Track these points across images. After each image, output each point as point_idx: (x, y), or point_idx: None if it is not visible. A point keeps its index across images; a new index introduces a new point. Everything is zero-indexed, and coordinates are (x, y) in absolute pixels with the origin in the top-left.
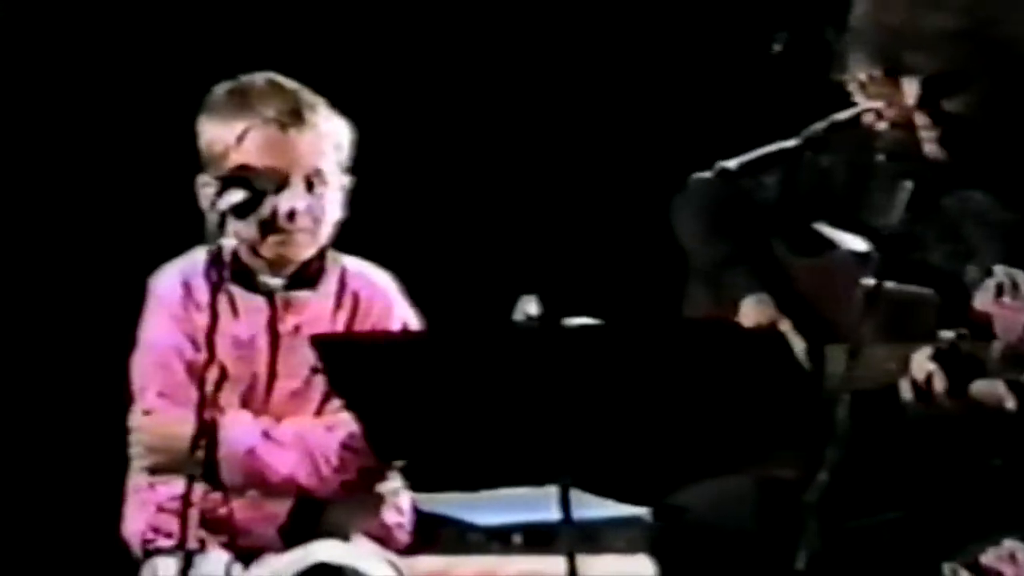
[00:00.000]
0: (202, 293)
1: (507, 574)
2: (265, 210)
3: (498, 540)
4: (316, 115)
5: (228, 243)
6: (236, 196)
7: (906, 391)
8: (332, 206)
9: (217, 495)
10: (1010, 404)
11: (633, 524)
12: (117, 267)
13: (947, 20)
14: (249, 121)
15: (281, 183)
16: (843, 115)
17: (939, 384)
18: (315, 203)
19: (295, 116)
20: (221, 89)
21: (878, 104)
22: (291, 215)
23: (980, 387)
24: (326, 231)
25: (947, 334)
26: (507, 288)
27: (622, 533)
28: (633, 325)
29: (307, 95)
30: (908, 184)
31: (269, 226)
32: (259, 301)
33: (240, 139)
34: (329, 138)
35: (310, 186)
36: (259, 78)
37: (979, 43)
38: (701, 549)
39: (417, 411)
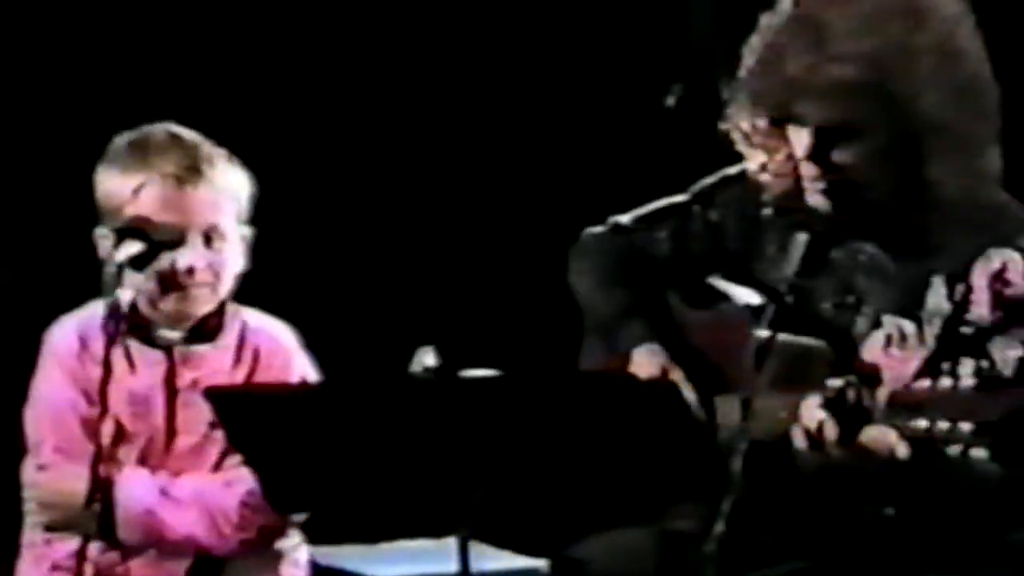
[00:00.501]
0: (98, 346)
1: None
2: (164, 265)
3: None
4: (214, 169)
5: (125, 296)
6: (133, 248)
7: (799, 440)
8: (231, 260)
9: (114, 553)
10: (902, 452)
11: None
12: (11, 319)
13: (847, 71)
14: (146, 176)
15: (179, 239)
16: (733, 169)
17: (829, 432)
18: (214, 258)
19: (192, 171)
20: (121, 140)
21: (762, 156)
22: (190, 271)
23: (871, 435)
24: (226, 285)
25: (835, 382)
26: (405, 340)
27: None
28: (529, 377)
29: (206, 148)
30: (802, 237)
31: (168, 282)
32: (157, 355)
33: (136, 193)
34: (227, 192)
35: (208, 241)
36: (159, 130)
37: (874, 96)
38: None
39: (314, 464)
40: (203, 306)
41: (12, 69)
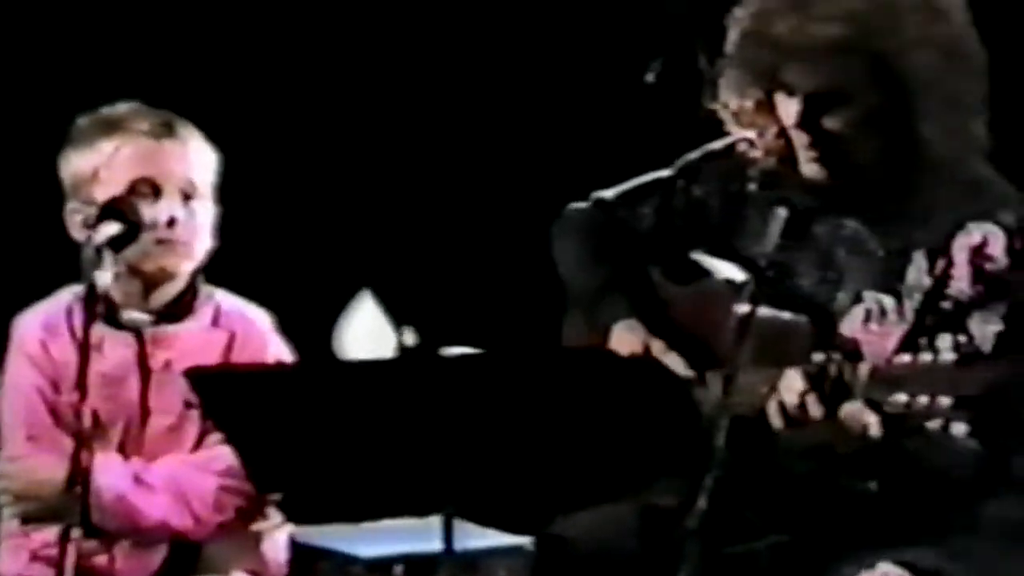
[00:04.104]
0: (64, 333)
1: None
2: (145, 223)
3: (379, 572)
4: (187, 130)
5: (104, 278)
6: (112, 228)
7: (775, 417)
8: (206, 222)
9: (93, 542)
10: (874, 431)
11: (515, 553)
12: None
13: (832, 30)
14: (120, 139)
15: (156, 194)
16: (717, 144)
17: (810, 407)
18: (191, 215)
19: (167, 128)
20: (85, 120)
21: (751, 133)
22: (171, 222)
23: (849, 411)
24: (202, 247)
25: (817, 357)
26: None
27: (504, 562)
28: (510, 354)
29: (176, 117)
30: (782, 212)
31: (149, 239)
32: (126, 337)
33: (112, 157)
34: (200, 154)
35: (185, 198)
36: (123, 105)
37: (860, 55)
38: None
39: (297, 443)
40: (184, 262)
41: None
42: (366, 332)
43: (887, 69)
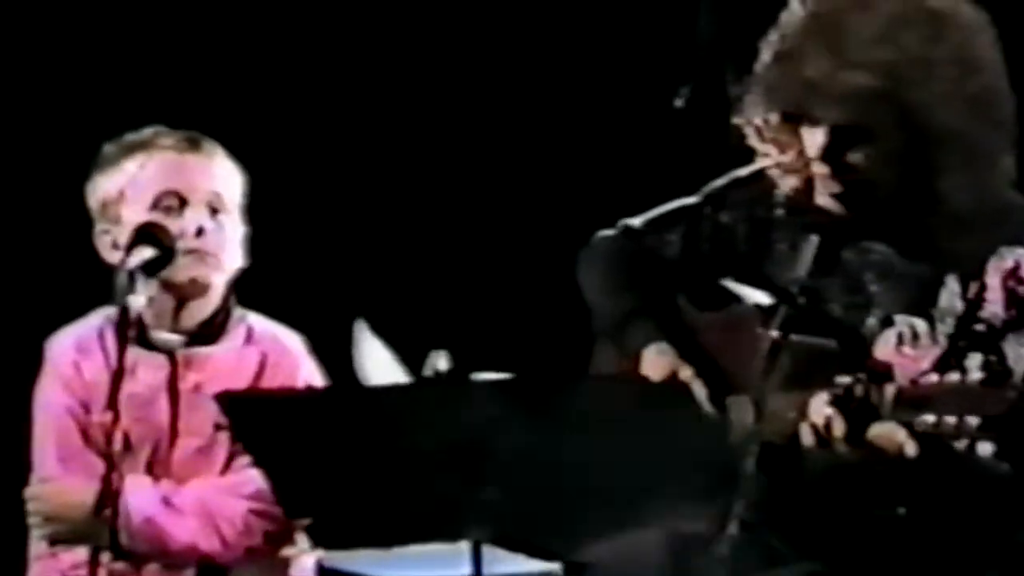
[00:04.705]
0: (96, 355)
1: None
2: (174, 234)
3: None
4: (213, 146)
5: (138, 301)
6: (146, 253)
7: (806, 437)
8: (234, 236)
9: (121, 564)
10: (910, 450)
11: None
12: (14, 331)
13: (863, 79)
14: (145, 156)
15: (182, 206)
16: (744, 171)
17: (837, 429)
18: (219, 227)
19: (192, 143)
20: (111, 145)
21: (774, 152)
22: (199, 232)
23: (878, 432)
24: (231, 260)
25: (844, 379)
26: (417, 344)
27: None
28: (541, 380)
29: (200, 135)
30: (814, 238)
31: (178, 250)
32: (158, 359)
33: (137, 175)
34: (226, 169)
35: (213, 211)
36: (148, 129)
37: (889, 103)
38: None
39: (327, 468)
40: (214, 274)
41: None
42: (377, 361)
43: (913, 117)
